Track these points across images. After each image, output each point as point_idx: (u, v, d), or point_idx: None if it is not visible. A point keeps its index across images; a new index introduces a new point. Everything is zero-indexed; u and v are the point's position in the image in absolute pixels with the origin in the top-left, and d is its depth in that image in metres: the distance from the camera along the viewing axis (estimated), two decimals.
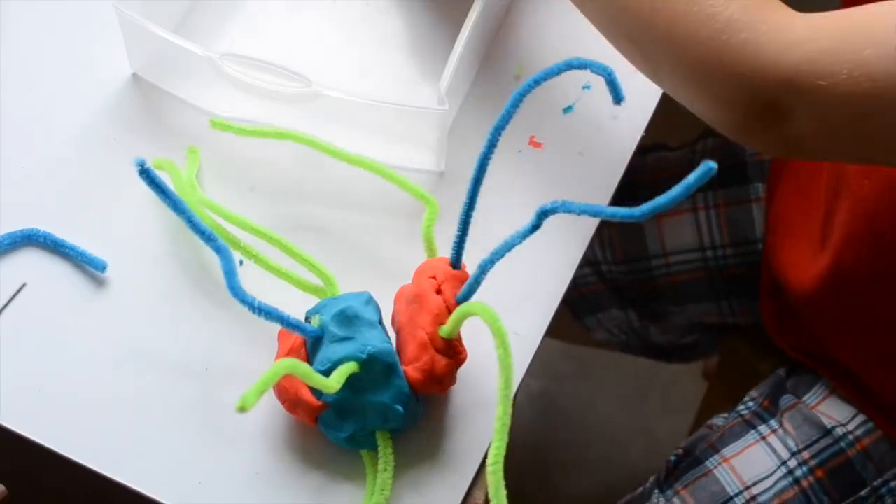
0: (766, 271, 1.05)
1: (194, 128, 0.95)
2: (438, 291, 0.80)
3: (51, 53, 0.97)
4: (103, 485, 0.81)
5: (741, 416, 1.05)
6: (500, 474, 0.69)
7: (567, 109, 0.98)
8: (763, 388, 1.07)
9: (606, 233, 1.15)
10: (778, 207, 1.06)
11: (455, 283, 0.81)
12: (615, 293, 1.19)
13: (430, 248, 0.86)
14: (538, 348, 0.88)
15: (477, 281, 0.79)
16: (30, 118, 0.94)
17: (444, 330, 0.79)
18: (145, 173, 0.75)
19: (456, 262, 0.83)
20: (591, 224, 0.92)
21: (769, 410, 1.03)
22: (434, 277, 0.81)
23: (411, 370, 0.79)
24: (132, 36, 0.93)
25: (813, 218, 0.98)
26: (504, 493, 0.69)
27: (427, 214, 0.86)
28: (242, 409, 0.68)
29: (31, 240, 0.88)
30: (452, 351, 0.80)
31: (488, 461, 0.69)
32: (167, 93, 0.96)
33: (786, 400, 1.03)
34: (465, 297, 0.80)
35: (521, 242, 0.77)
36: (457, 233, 0.82)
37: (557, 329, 1.18)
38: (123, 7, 0.90)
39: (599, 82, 0.99)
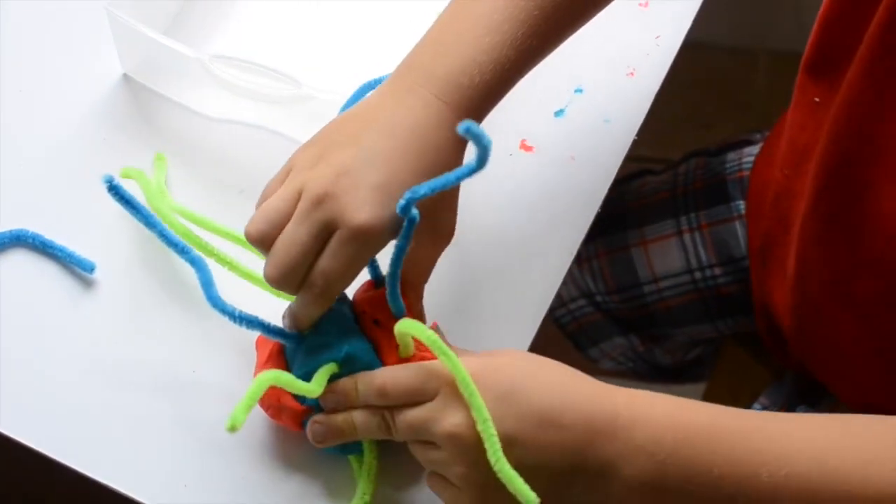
0: (757, 291, 1.05)
1: (184, 129, 0.94)
2: (376, 322, 0.80)
3: (41, 53, 0.97)
4: (89, 487, 0.81)
5: None
6: (507, 466, 0.68)
7: (559, 113, 0.97)
8: (774, 396, 1.06)
9: (596, 263, 1.15)
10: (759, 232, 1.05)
11: (384, 303, 0.80)
12: (614, 321, 1.18)
13: None
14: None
15: (394, 296, 0.78)
16: (20, 118, 0.94)
17: (402, 352, 0.78)
18: (114, 190, 0.75)
19: (378, 281, 0.82)
20: (579, 232, 0.92)
21: None
22: (365, 312, 0.80)
23: None
24: (123, 37, 0.93)
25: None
26: (521, 481, 0.68)
27: None
28: (233, 429, 0.67)
29: (19, 240, 0.88)
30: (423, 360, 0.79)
31: (490, 461, 0.68)
32: (158, 94, 0.96)
33: (801, 410, 1.02)
34: (399, 312, 0.79)
35: (406, 244, 0.74)
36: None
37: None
38: (114, 8, 0.89)
39: (592, 85, 0.99)
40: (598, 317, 1.19)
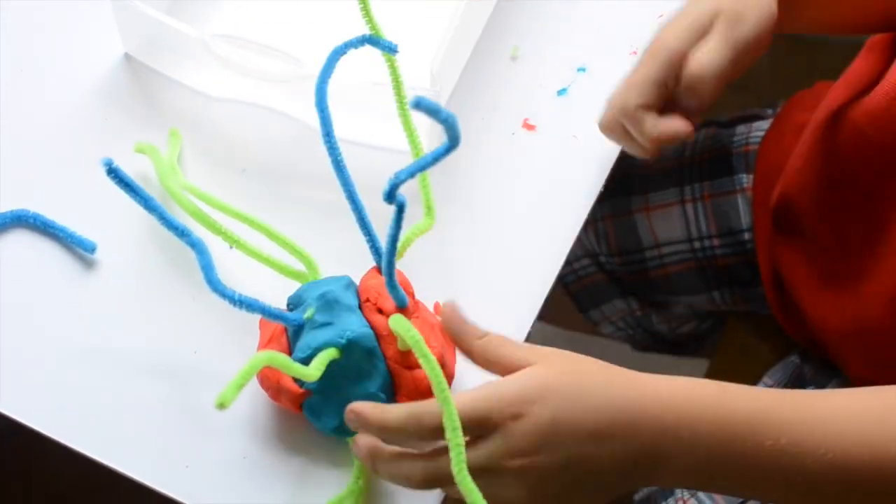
0: (767, 263, 1.05)
1: (186, 108, 0.94)
2: (380, 311, 0.79)
3: (43, 33, 0.97)
4: (93, 468, 0.81)
5: None
6: (469, 480, 0.68)
7: (561, 92, 0.97)
8: (778, 376, 1.06)
9: (601, 226, 1.15)
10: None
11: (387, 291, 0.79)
12: (615, 283, 1.19)
13: None
14: (535, 336, 0.88)
15: (392, 286, 0.77)
16: (21, 98, 0.94)
17: (400, 345, 0.78)
18: (113, 173, 0.75)
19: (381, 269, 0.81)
20: (581, 212, 0.92)
21: None
22: (368, 300, 0.80)
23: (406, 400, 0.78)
24: (124, 17, 0.93)
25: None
26: (479, 495, 0.67)
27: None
28: (222, 407, 0.67)
29: (20, 221, 0.88)
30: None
31: (453, 470, 0.68)
32: (159, 73, 0.96)
33: None
34: (401, 302, 0.78)
35: (397, 231, 0.74)
36: (366, 239, 0.81)
37: (564, 322, 1.16)
38: None
39: (594, 64, 0.99)
40: (600, 277, 1.19)
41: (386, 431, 0.72)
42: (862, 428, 0.71)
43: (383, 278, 0.78)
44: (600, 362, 0.75)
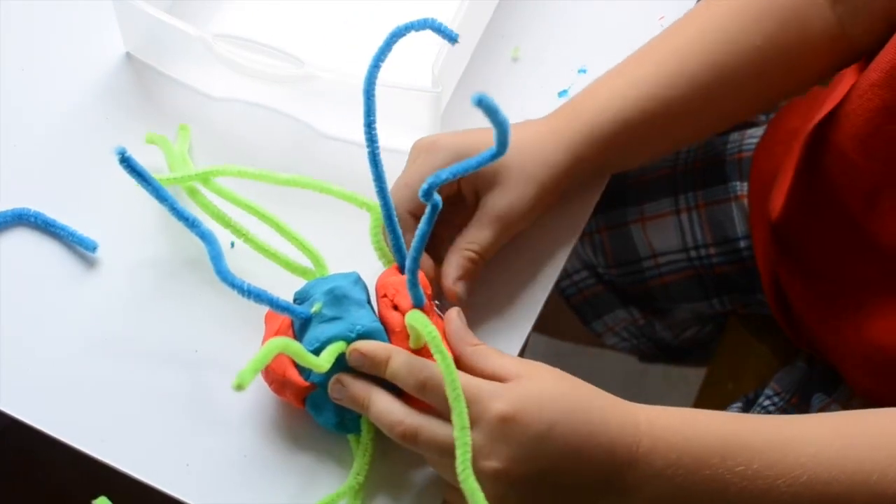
0: (765, 271, 1.05)
1: (187, 108, 0.94)
2: (395, 307, 0.79)
3: (44, 32, 0.97)
4: (94, 467, 0.81)
5: (769, 413, 1.03)
6: (472, 479, 0.69)
7: (562, 93, 0.97)
8: (786, 382, 1.06)
9: (598, 238, 1.15)
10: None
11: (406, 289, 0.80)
12: (615, 293, 1.19)
13: (384, 256, 0.85)
14: (540, 349, 0.88)
15: (414, 284, 0.78)
16: (22, 97, 0.94)
17: (412, 343, 0.78)
18: (126, 162, 0.75)
19: (403, 268, 0.81)
20: (580, 220, 0.92)
21: (800, 409, 1.02)
22: (385, 296, 0.80)
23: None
24: (126, 16, 0.93)
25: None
26: (482, 495, 0.68)
27: (371, 223, 0.84)
28: (239, 387, 0.67)
29: (21, 219, 0.88)
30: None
31: (458, 469, 0.69)
32: (161, 72, 0.96)
33: (818, 399, 1.02)
34: (419, 301, 0.79)
35: (428, 230, 0.75)
36: (391, 237, 0.81)
37: (568, 336, 1.16)
38: None
39: (595, 66, 0.99)
40: (600, 289, 1.19)
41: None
42: (835, 452, 0.72)
43: (402, 277, 0.79)
44: (586, 383, 0.77)
